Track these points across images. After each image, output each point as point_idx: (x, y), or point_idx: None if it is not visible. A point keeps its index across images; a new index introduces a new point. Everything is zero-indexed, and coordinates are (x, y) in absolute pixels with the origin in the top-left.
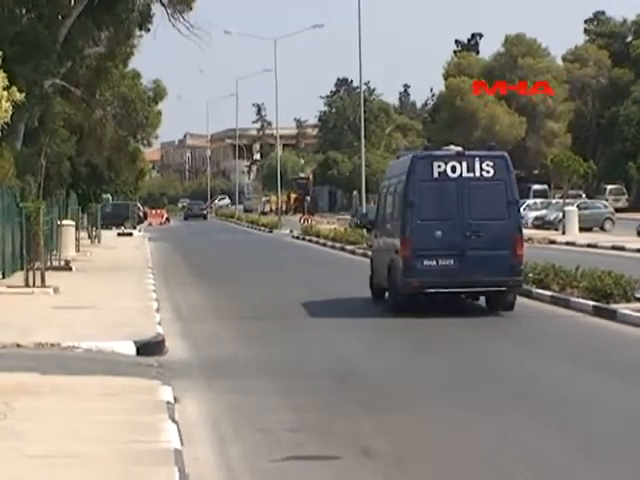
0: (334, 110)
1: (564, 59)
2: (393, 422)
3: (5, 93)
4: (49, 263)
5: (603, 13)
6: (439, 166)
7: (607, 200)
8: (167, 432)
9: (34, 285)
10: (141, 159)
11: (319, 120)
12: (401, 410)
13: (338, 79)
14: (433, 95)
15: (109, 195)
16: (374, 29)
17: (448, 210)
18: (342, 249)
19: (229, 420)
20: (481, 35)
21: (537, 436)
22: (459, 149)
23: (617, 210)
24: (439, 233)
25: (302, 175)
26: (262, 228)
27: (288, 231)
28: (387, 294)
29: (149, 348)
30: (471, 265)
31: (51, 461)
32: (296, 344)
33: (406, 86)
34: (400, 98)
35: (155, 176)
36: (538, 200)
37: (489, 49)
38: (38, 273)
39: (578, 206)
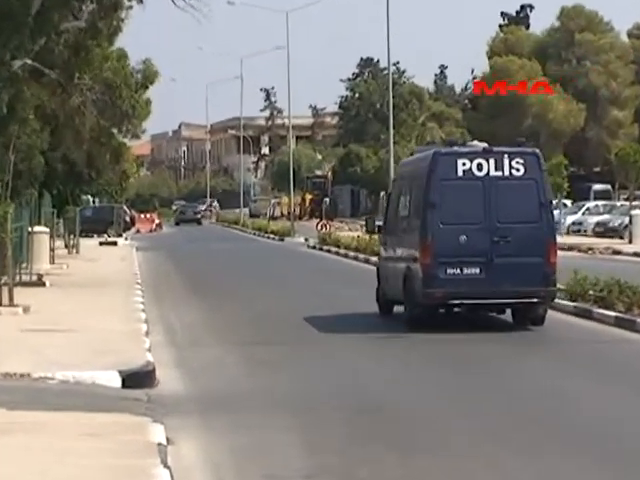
0: (357, 95)
1: (630, 35)
2: (426, 464)
3: None
4: (18, 278)
5: None
6: (464, 164)
7: None
8: (158, 479)
9: (0, 304)
10: (126, 157)
11: (339, 107)
12: (435, 449)
13: (361, 59)
14: (475, 77)
15: (90, 196)
16: None
17: (474, 212)
18: (366, 261)
19: (231, 464)
20: (532, 7)
21: None
22: (485, 145)
23: None
24: (463, 238)
25: (319, 173)
26: (271, 235)
27: (303, 239)
28: (395, 307)
29: (137, 379)
30: (499, 274)
31: None
32: (307, 371)
33: (443, 67)
34: (435, 81)
35: (144, 174)
36: (600, 203)
37: (541, 23)
38: (5, 289)
39: None
